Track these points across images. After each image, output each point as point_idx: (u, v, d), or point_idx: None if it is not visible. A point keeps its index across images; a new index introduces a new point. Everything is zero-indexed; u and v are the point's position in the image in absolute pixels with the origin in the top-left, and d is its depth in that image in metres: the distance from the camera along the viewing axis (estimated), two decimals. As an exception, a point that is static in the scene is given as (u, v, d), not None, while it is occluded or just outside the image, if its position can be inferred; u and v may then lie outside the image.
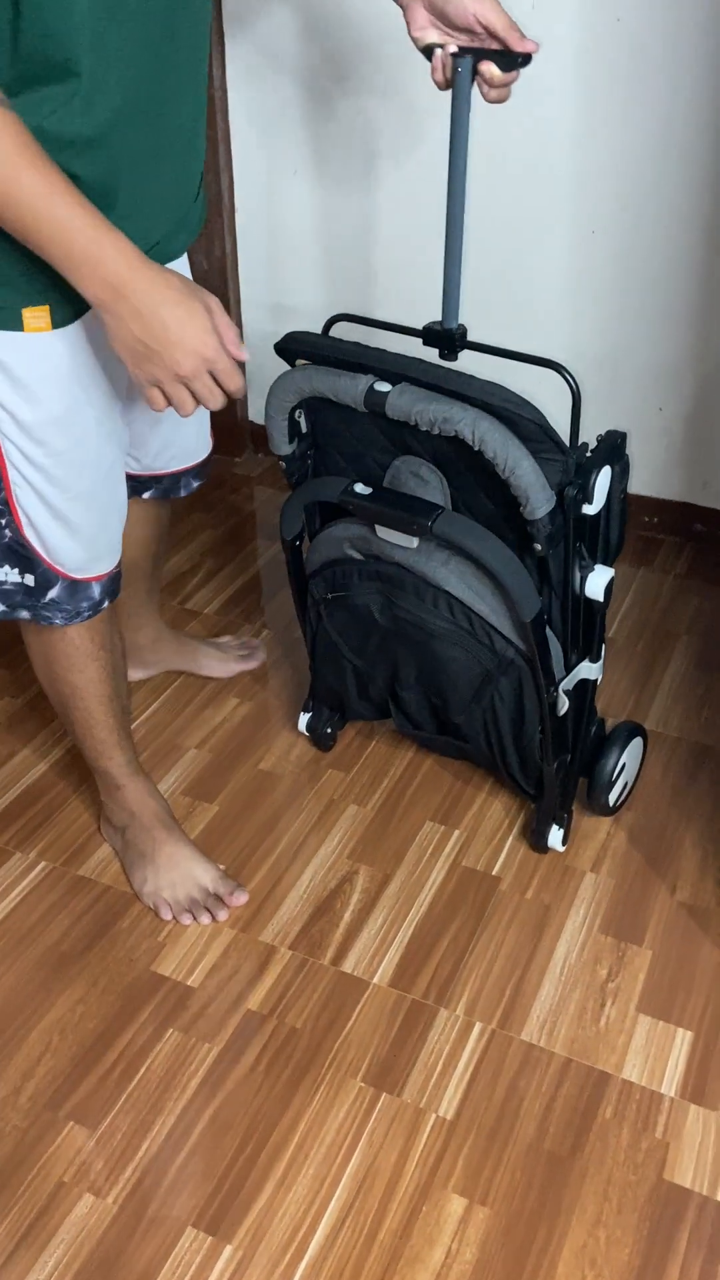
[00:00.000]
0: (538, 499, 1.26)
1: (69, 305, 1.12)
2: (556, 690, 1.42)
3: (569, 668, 1.46)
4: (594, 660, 1.49)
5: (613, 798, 1.62)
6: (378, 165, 2.16)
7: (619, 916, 1.51)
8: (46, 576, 1.29)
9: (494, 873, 1.58)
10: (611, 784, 1.60)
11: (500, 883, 1.56)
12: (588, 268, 2.10)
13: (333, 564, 1.49)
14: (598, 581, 1.39)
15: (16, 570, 1.28)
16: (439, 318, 1.35)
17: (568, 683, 1.45)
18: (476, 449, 1.25)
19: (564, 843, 1.58)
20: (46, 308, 1.10)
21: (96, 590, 1.34)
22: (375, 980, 1.44)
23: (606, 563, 1.41)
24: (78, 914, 1.53)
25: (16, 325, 1.10)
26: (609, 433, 1.33)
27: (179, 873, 1.52)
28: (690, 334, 2.09)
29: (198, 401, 1.08)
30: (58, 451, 1.20)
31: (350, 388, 1.31)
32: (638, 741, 1.65)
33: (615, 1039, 1.36)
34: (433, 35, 1.24)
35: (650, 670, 1.95)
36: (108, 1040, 1.37)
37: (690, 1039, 1.36)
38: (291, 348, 1.37)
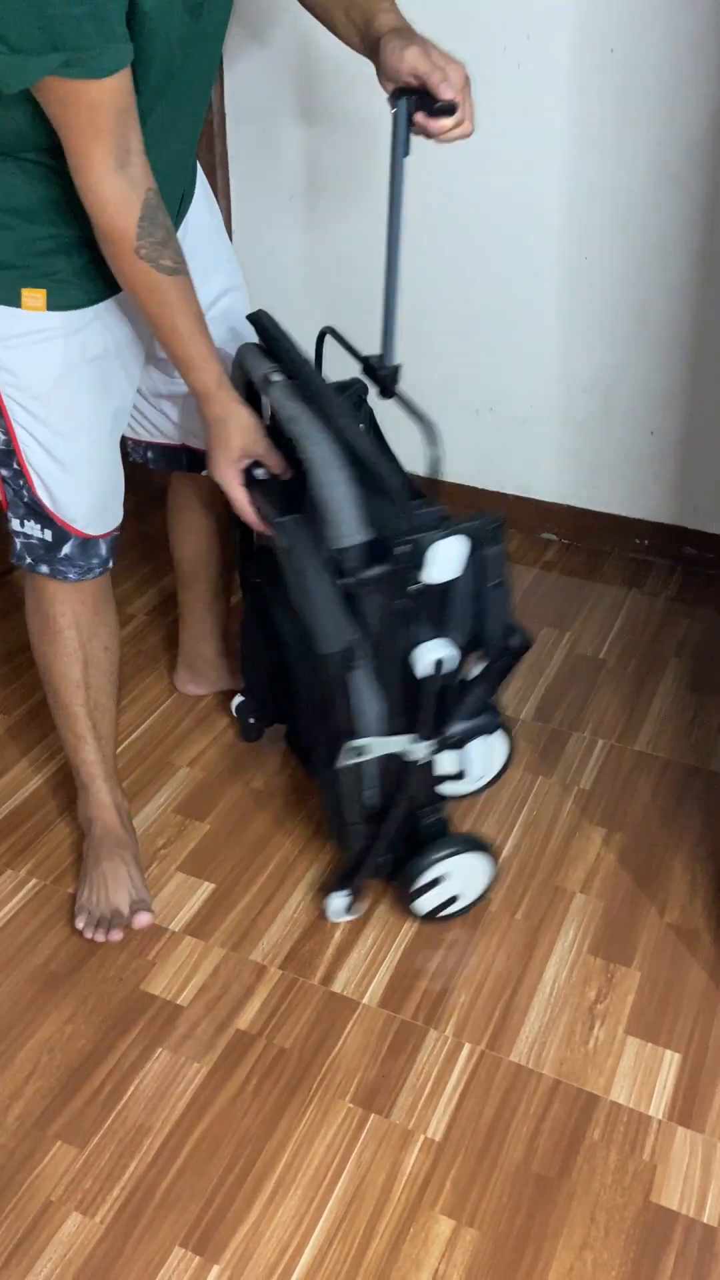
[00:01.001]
0: (341, 527, 1.23)
1: (68, 296, 1.31)
2: (348, 742, 1.32)
3: (393, 732, 1.35)
4: (423, 739, 1.35)
5: (423, 906, 1.48)
6: (367, 202, 2.18)
7: (608, 938, 1.52)
8: (61, 533, 1.43)
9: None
10: (418, 888, 1.45)
11: (490, 903, 1.57)
12: (581, 293, 2.12)
13: (267, 550, 1.45)
14: (426, 654, 1.25)
15: (38, 526, 1.43)
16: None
17: (378, 745, 1.34)
18: (299, 456, 1.27)
19: (347, 911, 1.50)
20: (44, 291, 1.29)
21: (104, 547, 1.47)
22: (365, 1000, 1.44)
23: (469, 649, 1.30)
24: (67, 932, 1.53)
25: (15, 302, 1.29)
26: (481, 512, 1.27)
27: (106, 891, 1.53)
28: (681, 359, 2.11)
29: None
30: (56, 408, 1.35)
31: (258, 368, 1.39)
32: (478, 860, 1.48)
33: (603, 1061, 1.37)
34: (389, 88, 1.29)
35: (640, 692, 1.96)
36: (96, 1059, 1.37)
37: (678, 1061, 1.36)
38: (256, 322, 1.46)
